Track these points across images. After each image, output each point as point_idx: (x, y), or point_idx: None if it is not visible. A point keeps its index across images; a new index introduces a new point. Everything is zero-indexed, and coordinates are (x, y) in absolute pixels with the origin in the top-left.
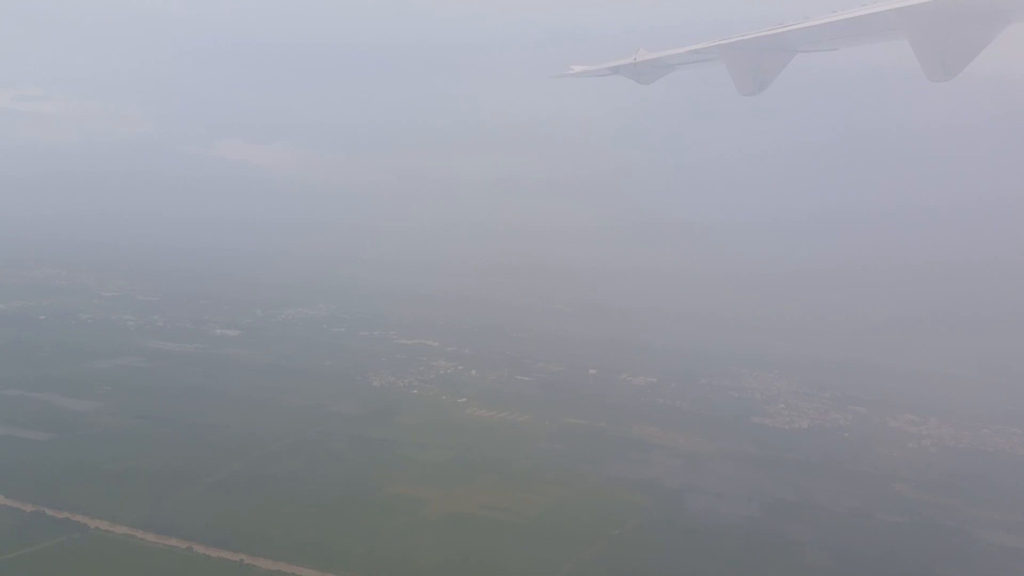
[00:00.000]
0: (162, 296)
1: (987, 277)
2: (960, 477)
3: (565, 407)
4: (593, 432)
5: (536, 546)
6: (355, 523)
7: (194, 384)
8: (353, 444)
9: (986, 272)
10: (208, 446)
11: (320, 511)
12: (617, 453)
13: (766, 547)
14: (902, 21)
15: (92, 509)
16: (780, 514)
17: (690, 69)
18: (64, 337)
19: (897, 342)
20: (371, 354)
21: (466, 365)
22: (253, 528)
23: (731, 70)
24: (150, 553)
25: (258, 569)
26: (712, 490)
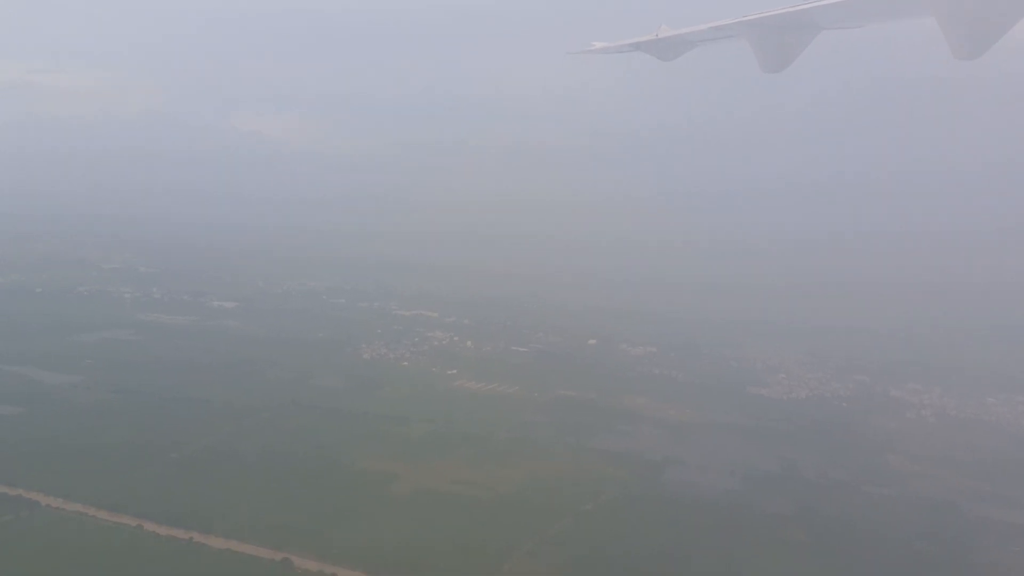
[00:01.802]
0: (164, 268)
1: (1011, 244)
2: (957, 448)
3: (557, 378)
4: (582, 404)
5: (501, 523)
6: (317, 500)
7: (180, 357)
8: (331, 418)
9: (1009, 239)
10: (181, 421)
11: (284, 488)
12: (603, 425)
13: (741, 522)
14: None
15: (48, 486)
16: (762, 487)
17: (712, 46)
18: (57, 310)
19: (911, 310)
20: (367, 325)
21: (463, 336)
22: (210, 506)
23: (754, 47)
24: (96, 531)
25: (207, 548)
26: (695, 463)
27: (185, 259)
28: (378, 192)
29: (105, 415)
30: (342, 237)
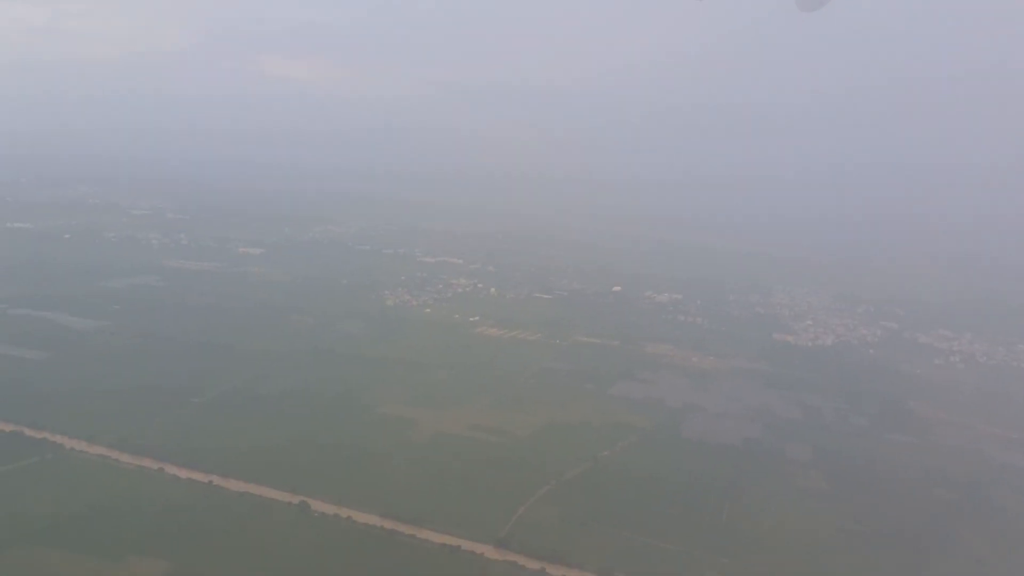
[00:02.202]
0: (192, 214)
1: None
2: (983, 395)
3: (579, 325)
4: (604, 351)
5: (518, 468)
6: (334, 446)
7: (205, 303)
8: (352, 364)
9: None
10: (205, 366)
11: (303, 433)
12: (624, 372)
13: (759, 468)
14: None
15: (72, 429)
16: (782, 434)
17: None
18: (85, 256)
19: (951, 256)
20: (391, 272)
21: (487, 283)
22: (231, 449)
23: None
24: (118, 473)
25: (226, 491)
26: (715, 409)
27: (214, 203)
28: (407, 133)
29: (130, 360)
30: (369, 178)
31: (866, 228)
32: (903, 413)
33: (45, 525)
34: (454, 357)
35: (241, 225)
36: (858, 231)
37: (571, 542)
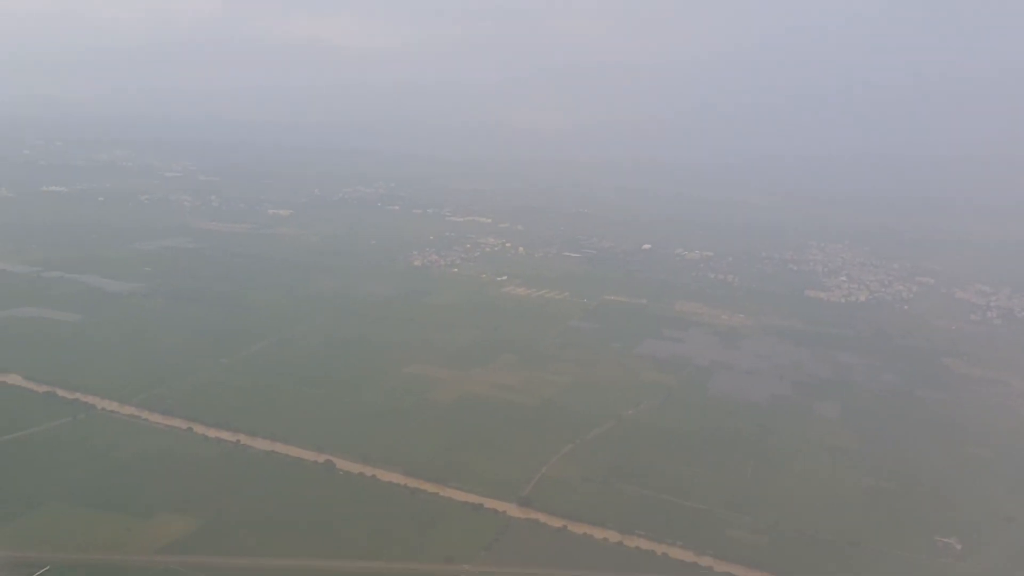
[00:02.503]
0: (224, 176)
1: None
2: (1020, 350)
3: (607, 284)
4: (631, 309)
5: (541, 428)
6: (360, 405)
7: (234, 265)
8: (379, 324)
9: None
10: (232, 328)
11: (328, 393)
12: (652, 331)
13: (784, 427)
14: None
15: (104, 390)
16: (810, 392)
17: None
18: (118, 218)
19: (988, 214)
20: (419, 232)
21: (515, 242)
22: (257, 409)
23: None
24: (148, 433)
25: (253, 450)
26: (744, 368)
27: (244, 165)
28: (439, 86)
29: (161, 321)
30: (398, 135)
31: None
32: (936, 369)
33: (76, 484)
34: (480, 317)
35: (271, 186)
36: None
37: (593, 500)
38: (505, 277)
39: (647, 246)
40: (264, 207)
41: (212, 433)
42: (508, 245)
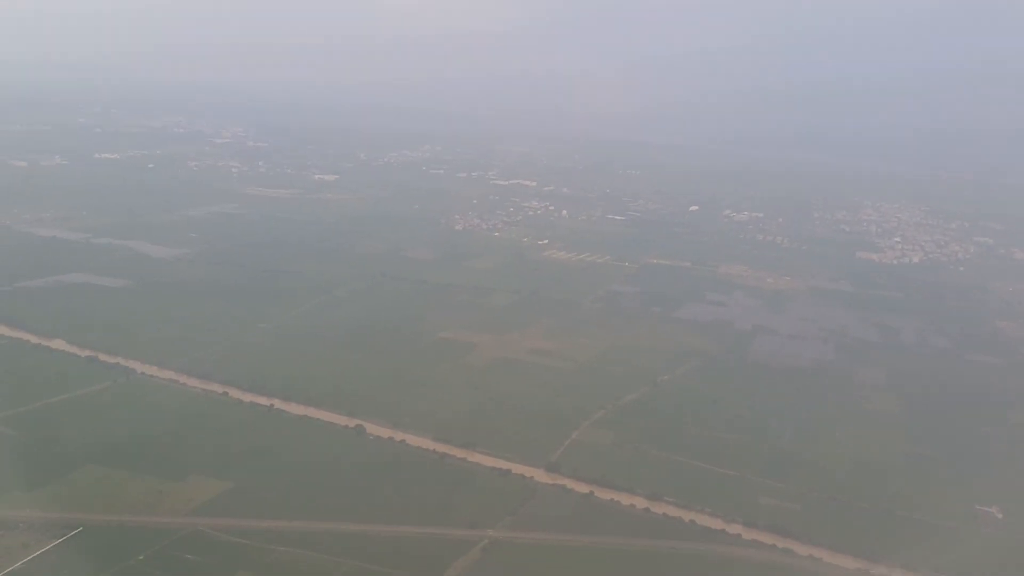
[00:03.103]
0: (272, 142)
1: None
2: None
3: (652, 246)
4: (674, 272)
5: (575, 392)
6: (393, 370)
7: (279, 231)
8: (418, 289)
9: None
10: (273, 292)
11: (363, 358)
12: (694, 294)
13: (825, 393)
14: None
15: (144, 355)
16: (855, 356)
17: None
18: (167, 185)
19: None
20: (463, 196)
21: (559, 205)
22: (292, 374)
23: None
24: (185, 397)
25: (286, 414)
26: (787, 331)
27: (294, 131)
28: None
29: (204, 287)
30: (450, 101)
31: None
32: (989, 333)
33: (113, 446)
34: (519, 281)
35: (318, 152)
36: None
37: (622, 466)
38: (546, 241)
39: (694, 208)
40: (310, 172)
41: (247, 397)
42: (552, 208)
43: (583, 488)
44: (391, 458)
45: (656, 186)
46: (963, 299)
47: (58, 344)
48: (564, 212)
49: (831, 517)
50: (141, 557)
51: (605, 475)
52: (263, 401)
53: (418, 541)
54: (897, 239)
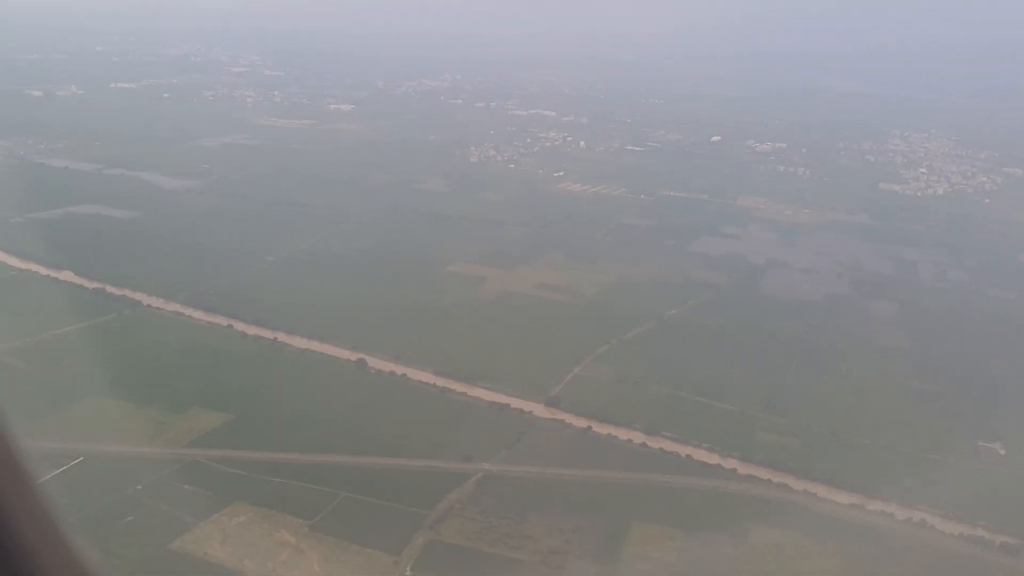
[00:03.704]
0: (289, 71)
1: None
2: None
3: (669, 179)
4: (691, 205)
5: (579, 327)
6: (399, 304)
7: (291, 161)
8: (429, 222)
9: None
10: (283, 224)
11: (368, 292)
12: (708, 227)
13: (835, 327)
14: None
15: (151, 287)
16: (869, 290)
17: None
18: (181, 115)
19: None
20: (480, 127)
21: (578, 136)
22: (298, 307)
23: None
24: (189, 329)
25: (289, 347)
26: (801, 265)
27: (311, 61)
28: None
29: (212, 219)
30: (478, 25)
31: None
32: (1010, 267)
33: (116, 378)
34: (531, 214)
35: (335, 82)
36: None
37: (622, 401)
38: (562, 173)
39: (716, 138)
40: (326, 102)
41: (251, 330)
42: (569, 139)
43: (581, 423)
44: (391, 392)
45: (679, 115)
46: (985, 232)
47: (66, 276)
48: (582, 143)
49: (830, 452)
50: (139, 487)
51: (604, 410)
52: (267, 334)
53: (413, 474)
54: (923, 170)
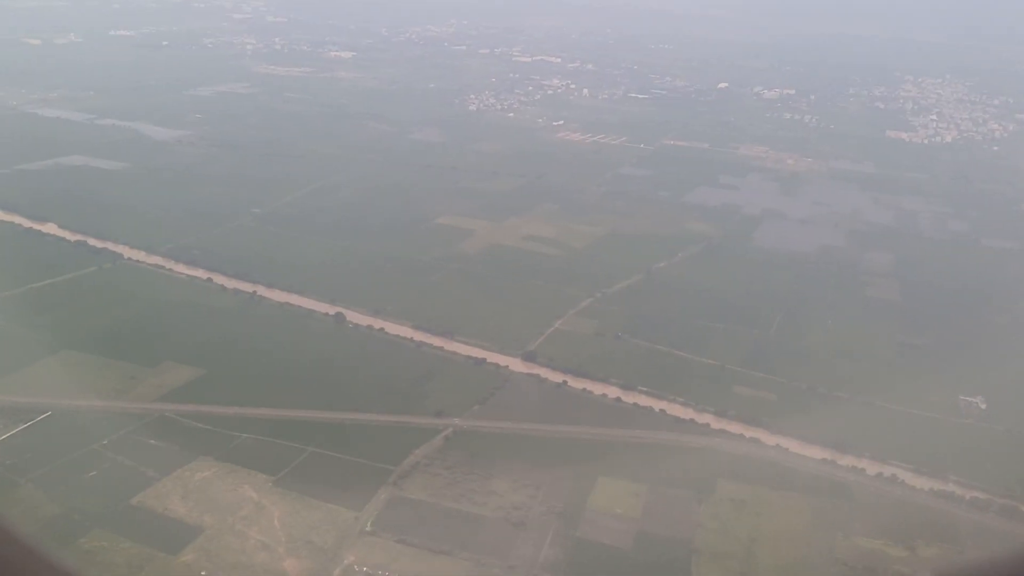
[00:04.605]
0: (292, 17)
1: None
2: None
3: (670, 127)
4: (690, 154)
5: (563, 280)
6: (383, 257)
7: (287, 110)
8: (421, 173)
9: None
10: (271, 176)
11: (352, 245)
12: (707, 177)
13: (826, 280)
14: None
15: (133, 239)
16: (865, 241)
17: None
18: (179, 63)
19: None
20: (482, 73)
21: (581, 83)
22: (279, 260)
23: None
24: (168, 282)
25: (268, 301)
26: (797, 216)
27: (313, 5)
28: None
29: (201, 170)
30: None
31: None
32: (1013, 216)
33: (92, 331)
34: (526, 165)
35: (338, 29)
36: None
37: (600, 356)
38: (561, 122)
39: (723, 85)
40: (327, 49)
41: (231, 284)
42: (572, 87)
43: (557, 377)
44: (367, 346)
45: (687, 61)
46: (991, 181)
47: (50, 228)
48: (585, 91)
49: (806, 407)
50: (105, 442)
51: (581, 365)
52: (247, 288)
53: (383, 429)
54: (933, 117)
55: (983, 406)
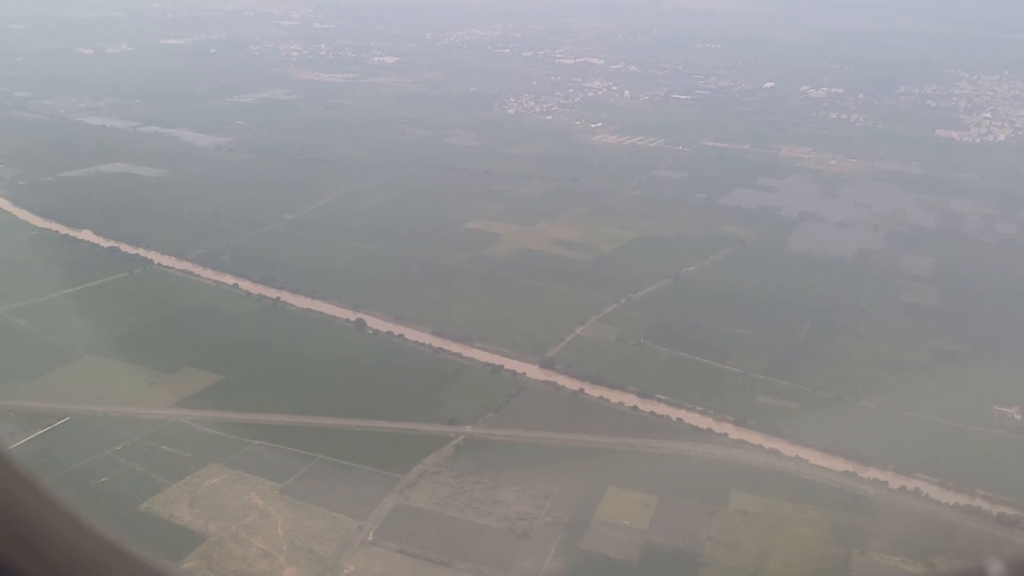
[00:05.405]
0: (340, 23)
1: None
2: None
3: (711, 128)
4: (730, 156)
5: (590, 286)
6: (409, 262)
7: (327, 117)
8: (454, 177)
9: None
10: (306, 181)
11: (380, 250)
12: (745, 179)
13: (861, 285)
14: None
15: (164, 245)
16: (904, 244)
17: None
18: (224, 70)
19: None
20: (524, 76)
21: (623, 84)
22: (305, 266)
23: None
24: (196, 288)
25: (291, 307)
26: (836, 219)
27: (359, 11)
28: None
29: (238, 176)
30: None
31: None
32: None
33: (116, 337)
34: (561, 168)
35: (383, 33)
36: None
37: (620, 363)
38: (599, 124)
39: (769, 84)
40: (371, 55)
41: (256, 289)
42: (614, 88)
43: (574, 385)
44: (385, 353)
45: (733, 61)
46: None
47: (85, 235)
48: (626, 92)
49: (829, 417)
50: (119, 447)
51: (600, 372)
52: (271, 294)
53: (394, 436)
54: (987, 115)
55: (1018, 417)
